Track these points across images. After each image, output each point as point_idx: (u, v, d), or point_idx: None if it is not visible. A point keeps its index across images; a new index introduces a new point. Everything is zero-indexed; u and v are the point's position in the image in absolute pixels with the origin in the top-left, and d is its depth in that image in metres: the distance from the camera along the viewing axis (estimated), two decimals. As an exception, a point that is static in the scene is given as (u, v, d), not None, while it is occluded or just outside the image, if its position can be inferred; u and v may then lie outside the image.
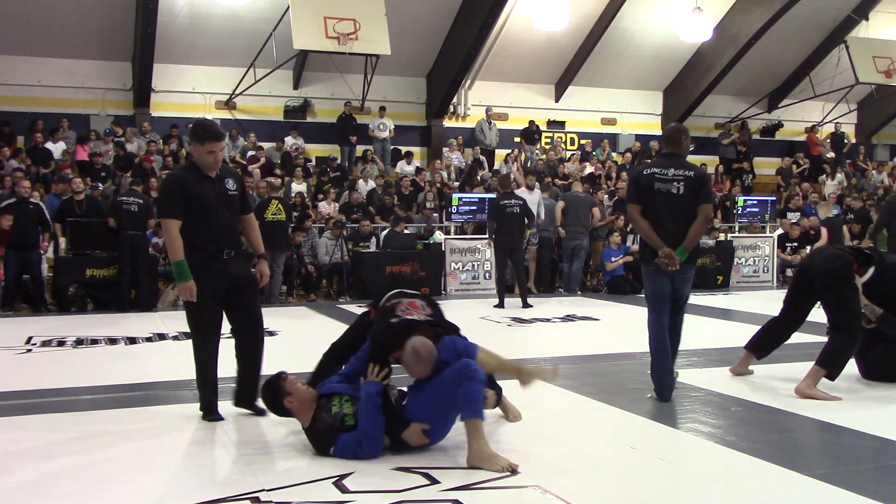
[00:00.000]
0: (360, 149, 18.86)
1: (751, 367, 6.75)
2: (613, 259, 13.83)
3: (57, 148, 16.11)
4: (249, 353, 5.46)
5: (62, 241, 12.33)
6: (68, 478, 4.22)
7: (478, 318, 10.61)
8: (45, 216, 12.00)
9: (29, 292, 12.01)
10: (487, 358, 4.60)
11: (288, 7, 15.84)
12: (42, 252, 11.94)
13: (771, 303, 12.44)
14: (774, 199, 17.10)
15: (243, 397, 5.48)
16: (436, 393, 4.44)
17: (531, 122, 20.14)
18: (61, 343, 8.71)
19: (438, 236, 14.55)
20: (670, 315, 6.00)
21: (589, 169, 18.76)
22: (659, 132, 22.09)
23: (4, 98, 17.03)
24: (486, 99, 20.21)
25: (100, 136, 16.51)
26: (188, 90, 18.45)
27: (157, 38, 16.54)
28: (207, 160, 5.23)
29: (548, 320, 10.52)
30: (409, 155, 18.86)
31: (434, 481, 4.06)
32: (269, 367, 7.00)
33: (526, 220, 12.11)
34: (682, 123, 7.97)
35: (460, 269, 14.04)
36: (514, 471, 4.18)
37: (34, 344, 8.66)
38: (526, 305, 11.79)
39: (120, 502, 3.89)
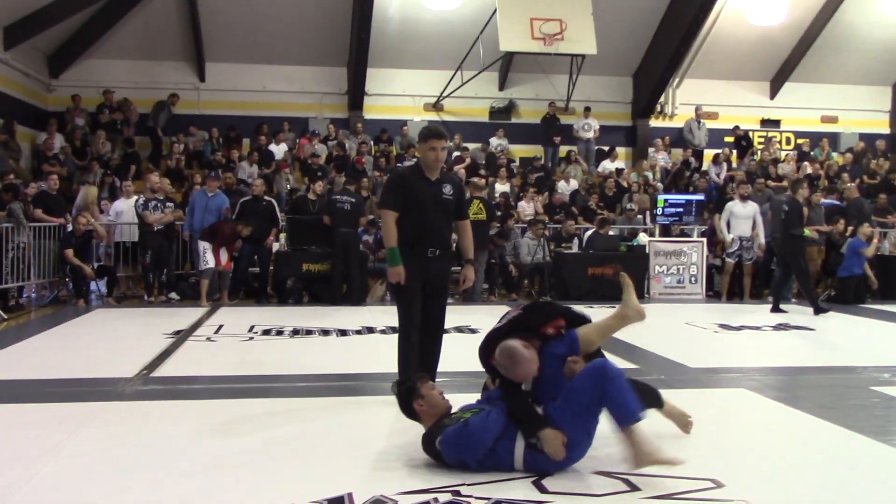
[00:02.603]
0: (564, 149, 18.82)
1: None
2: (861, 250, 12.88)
3: (279, 149, 17.18)
4: (431, 351, 5.81)
5: (281, 237, 13.14)
6: (282, 460, 4.47)
7: (682, 324, 10.34)
8: (276, 213, 12.82)
9: (252, 285, 12.85)
10: (588, 333, 4.39)
11: (495, 10, 16.04)
12: (268, 247, 12.72)
13: None
14: None
15: None
16: (572, 404, 4.11)
17: (736, 128, 19.24)
18: (279, 332, 9.26)
19: (642, 238, 14.23)
20: None
21: (808, 170, 17.73)
22: (887, 130, 20.55)
23: (234, 104, 18.38)
24: (694, 97, 19.63)
25: (313, 136, 17.49)
26: (398, 93, 19.13)
27: (371, 43, 17.26)
28: (429, 157, 5.65)
29: (758, 328, 10.05)
30: (612, 150, 18.60)
31: (635, 488, 3.97)
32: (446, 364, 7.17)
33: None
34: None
35: (664, 272, 13.67)
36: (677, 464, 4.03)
37: (256, 332, 9.27)
38: (818, 311, 11.21)
39: (331, 482, 4.06)
